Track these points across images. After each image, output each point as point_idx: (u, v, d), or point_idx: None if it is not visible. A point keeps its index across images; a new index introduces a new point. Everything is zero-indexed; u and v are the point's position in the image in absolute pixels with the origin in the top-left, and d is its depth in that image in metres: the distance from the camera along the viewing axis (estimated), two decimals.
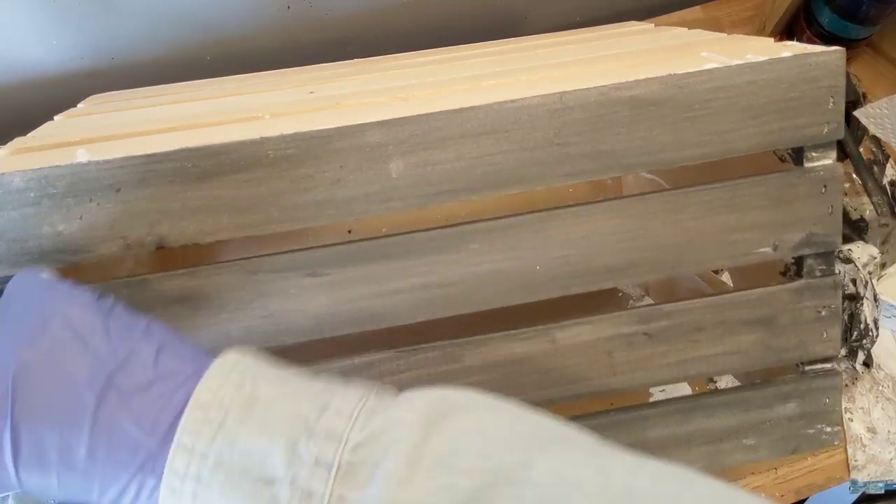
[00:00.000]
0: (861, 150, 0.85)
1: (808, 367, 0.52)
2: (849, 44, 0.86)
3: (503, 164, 0.45)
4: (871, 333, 0.72)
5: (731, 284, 0.67)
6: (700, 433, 0.51)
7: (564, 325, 0.49)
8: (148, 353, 0.34)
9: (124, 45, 0.78)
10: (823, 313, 0.50)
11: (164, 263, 0.47)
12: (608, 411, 0.51)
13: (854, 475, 0.72)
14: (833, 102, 0.46)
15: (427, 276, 0.46)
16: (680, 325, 0.49)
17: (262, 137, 0.42)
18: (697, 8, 0.96)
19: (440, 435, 0.31)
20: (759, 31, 0.93)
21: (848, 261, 0.74)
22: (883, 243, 0.81)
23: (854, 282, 0.72)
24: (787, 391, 0.51)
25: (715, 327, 0.50)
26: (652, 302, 0.76)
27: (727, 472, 0.71)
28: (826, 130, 0.47)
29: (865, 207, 0.83)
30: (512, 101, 0.44)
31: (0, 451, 0.32)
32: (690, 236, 0.48)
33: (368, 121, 0.43)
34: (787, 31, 0.93)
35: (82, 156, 0.42)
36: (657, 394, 0.71)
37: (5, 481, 0.33)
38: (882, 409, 0.75)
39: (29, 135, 0.51)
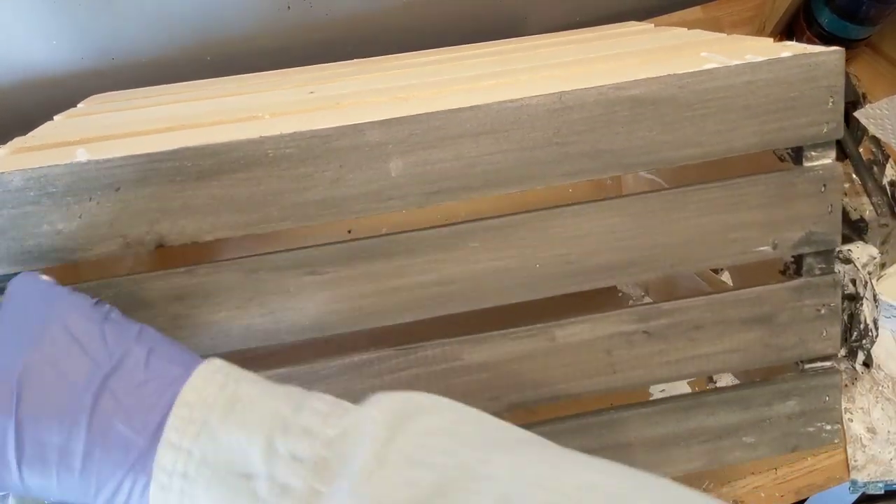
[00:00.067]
0: (861, 150, 0.85)
1: (807, 366, 0.52)
2: (848, 44, 0.86)
3: (502, 163, 0.45)
4: (870, 333, 0.72)
5: (731, 283, 0.67)
6: (700, 431, 0.51)
7: (564, 323, 0.49)
8: (140, 356, 0.36)
9: (124, 45, 0.78)
10: (823, 312, 0.50)
11: (163, 262, 0.47)
12: (608, 409, 0.51)
13: (854, 475, 0.72)
14: (832, 102, 0.46)
15: (427, 274, 0.46)
16: (679, 323, 0.49)
17: (261, 137, 0.43)
18: (697, 8, 0.96)
19: (407, 433, 0.33)
20: (759, 32, 0.93)
21: (848, 261, 0.75)
22: (883, 243, 0.81)
23: (854, 282, 0.72)
24: (787, 389, 0.51)
25: (714, 326, 0.50)
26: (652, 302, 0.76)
27: (727, 471, 0.71)
28: (825, 130, 0.47)
29: (865, 208, 0.83)
30: (511, 101, 0.44)
31: (4, 449, 0.33)
32: (690, 235, 0.48)
33: (368, 120, 0.43)
34: (787, 31, 0.93)
35: (82, 155, 0.42)
36: (657, 393, 0.71)
37: (8, 480, 0.34)
38: (882, 409, 0.75)
39: (29, 134, 0.51)
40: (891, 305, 0.77)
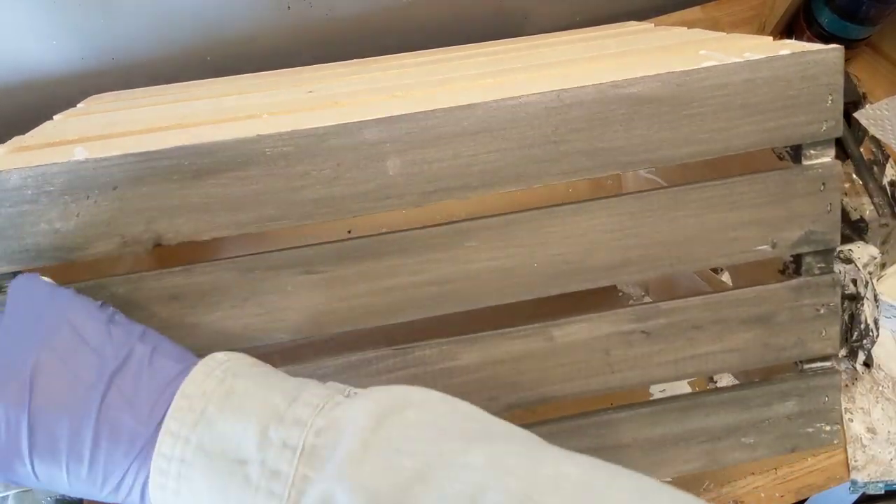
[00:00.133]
0: (861, 150, 0.85)
1: (806, 366, 0.52)
2: (849, 44, 0.86)
3: (500, 161, 0.45)
4: (871, 334, 0.72)
5: (731, 283, 0.67)
6: (699, 431, 0.51)
7: (562, 322, 0.49)
8: (144, 354, 0.38)
9: (124, 45, 0.78)
10: (822, 311, 0.50)
11: (160, 261, 0.47)
12: (606, 409, 0.51)
13: (854, 475, 0.71)
14: (831, 100, 0.46)
15: (424, 273, 0.46)
16: (678, 323, 0.49)
17: (258, 135, 0.42)
18: (697, 8, 0.96)
19: (393, 424, 0.35)
20: (759, 32, 0.93)
21: (848, 261, 0.74)
22: (883, 243, 0.81)
23: (854, 282, 0.72)
24: (786, 389, 0.51)
25: (713, 325, 0.49)
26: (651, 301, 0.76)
27: (727, 471, 0.71)
28: (824, 128, 0.47)
29: (865, 208, 0.83)
30: (509, 99, 0.44)
31: (18, 440, 0.35)
32: (688, 234, 0.48)
33: (365, 118, 0.43)
34: (786, 31, 0.93)
35: (80, 154, 0.42)
36: (657, 393, 0.70)
37: (21, 470, 0.36)
38: (882, 409, 0.74)
39: (27, 133, 0.51)
40: (891, 305, 0.76)
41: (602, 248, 0.47)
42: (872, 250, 0.77)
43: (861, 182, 0.84)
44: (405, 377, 0.48)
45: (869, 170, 0.84)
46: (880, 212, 0.82)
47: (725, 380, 0.72)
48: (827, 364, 0.52)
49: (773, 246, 0.48)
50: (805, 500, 0.74)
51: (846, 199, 0.83)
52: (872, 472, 0.71)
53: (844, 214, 0.79)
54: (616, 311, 0.49)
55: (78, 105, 0.66)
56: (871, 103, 0.81)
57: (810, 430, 0.52)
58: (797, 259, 0.50)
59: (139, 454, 0.35)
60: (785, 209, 0.48)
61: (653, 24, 0.73)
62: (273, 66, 0.77)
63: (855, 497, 0.82)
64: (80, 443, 0.35)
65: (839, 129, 0.46)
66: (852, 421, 0.74)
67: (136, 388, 0.37)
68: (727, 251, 0.48)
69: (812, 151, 0.47)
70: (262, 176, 0.43)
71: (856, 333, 0.72)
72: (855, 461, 0.72)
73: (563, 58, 0.57)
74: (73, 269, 0.47)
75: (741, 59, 0.45)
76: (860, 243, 0.79)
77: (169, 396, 0.36)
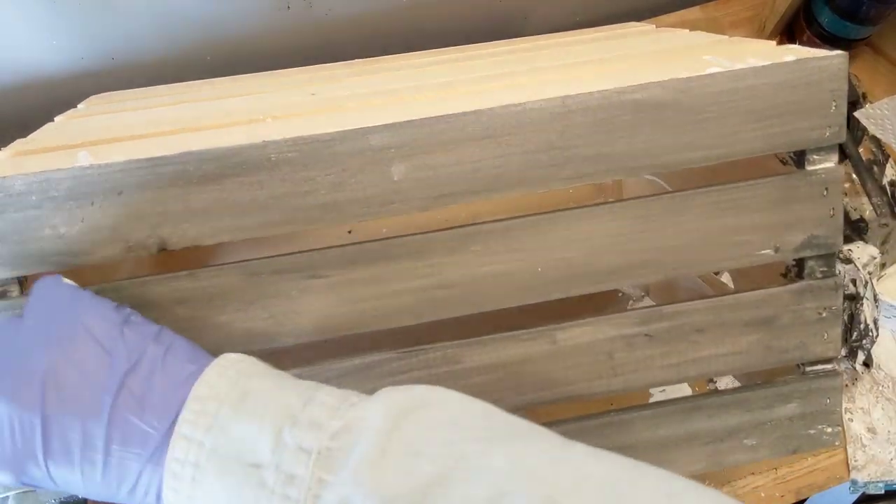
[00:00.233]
0: (861, 150, 0.85)
1: (808, 368, 0.52)
2: (848, 44, 0.86)
3: (505, 167, 0.45)
4: (871, 333, 0.72)
5: (731, 284, 0.67)
6: (701, 433, 0.51)
7: (565, 326, 0.49)
8: (156, 356, 0.38)
9: (124, 45, 0.78)
10: (824, 314, 0.50)
11: (165, 265, 0.47)
12: (609, 412, 0.51)
13: (854, 475, 0.72)
14: (835, 106, 0.46)
15: (428, 277, 0.46)
16: (680, 326, 0.49)
17: (263, 141, 0.42)
18: (697, 8, 0.96)
19: (409, 425, 0.34)
20: (759, 32, 0.93)
21: (848, 261, 0.75)
22: (883, 243, 0.81)
23: (854, 282, 0.72)
24: (788, 392, 0.52)
25: (716, 328, 0.50)
26: (651, 302, 0.77)
27: (727, 471, 0.71)
28: (828, 134, 0.47)
29: (865, 208, 0.83)
30: (514, 105, 0.44)
31: (32, 444, 0.35)
32: (692, 238, 0.48)
33: (371, 124, 0.43)
34: (787, 31, 0.93)
35: (84, 159, 0.42)
36: (657, 394, 0.71)
37: (36, 473, 0.36)
38: (882, 409, 0.75)
39: (29, 136, 0.51)
40: (891, 305, 0.77)
41: (606, 252, 0.47)
42: (872, 250, 0.78)
43: (860, 182, 0.84)
44: (409, 380, 0.48)
45: (868, 170, 0.84)
46: (879, 212, 0.82)
47: (725, 381, 0.73)
48: (828, 366, 0.52)
49: (776, 250, 0.48)
50: (805, 500, 0.74)
51: (846, 200, 0.83)
52: (872, 471, 0.72)
53: (844, 215, 0.79)
54: (619, 315, 0.49)
55: (78, 106, 0.65)
56: (871, 103, 0.81)
57: (812, 431, 0.52)
58: (799, 263, 0.50)
59: (152, 457, 0.35)
60: (788, 214, 0.48)
61: (654, 26, 0.73)
62: (273, 66, 0.76)
63: (855, 497, 0.82)
64: (92, 446, 0.35)
65: (842, 135, 0.47)
66: (852, 421, 0.74)
67: (149, 390, 0.36)
68: (730, 255, 0.48)
69: (815, 157, 0.48)
70: (267, 181, 0.43)
71: (855, 333, 0.72)
72: (855, 461, 0.72)
73: (567, 61, 0.57)
74: (77, 274, 0.47)
75: (745, 65, 0.45)
76: (860, 243, 0.79)
77: (181, 398, 0.36)
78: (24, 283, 0.44)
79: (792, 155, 0.49)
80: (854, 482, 0.72)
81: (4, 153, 0.46)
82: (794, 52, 0.46)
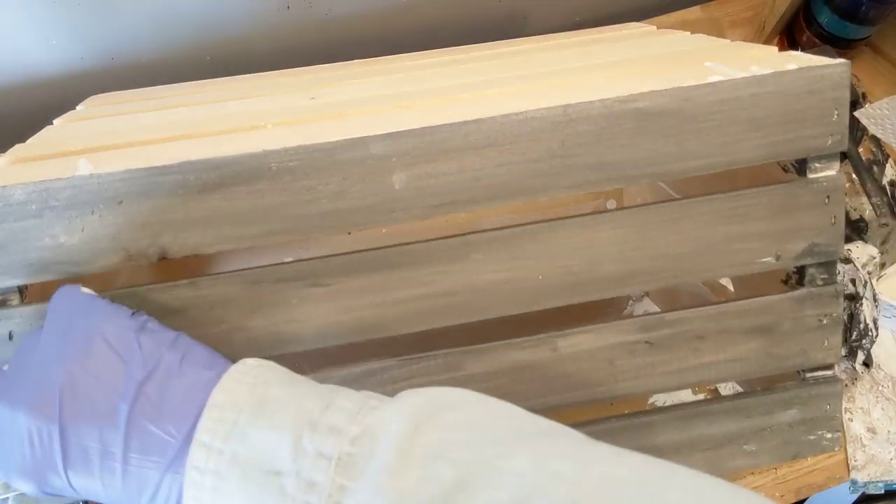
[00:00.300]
0: (861, 149, 0.85)
1: (809, 375, 0.52)
2: (848, 44, 0.86)
3: (506, 175, 0.45)
4: (870, 333, 0.72)
5: (731, 288, 0.67)
6: (701, 439, 0.52)
7: (566, 333, 0.49)
8: (173, 363, 0.38)
9: (124, 45, 0.78)
10: (825, 321, 0.50)
11: (166, 274, 0.47)
12: (610, 418, 0.51)
13: (854, 475, 0.72)
14: (837, 115, 0.46)
15: (430, 285, 0.46)
16: (681, 333, 0.49)
17: (264, 150, 0.42)
18: (697, 8, 0.96)
19: (430, 428, 0.34)
20: (759, 32, 0.92)
21: (847, 261, 0.75)
22: (882, 243, 0.81)
23: (853, 282, 0.72)
24: (788, 398, 0.52)
25: (717, 336, 0.50)
26: (652, 303, 0.77)
27: (727, 476, 0.71)
28: (830, 142, 0.47)
29: (865, 207, 0.83)
30: (516, 114, 0.44)
31: (52, 454, 0.35)
32: (693, 246, 0.48)
33: (371, 133, 0.43)
34: (786, 31, 0.92)
35: (84, 168, 0.42)
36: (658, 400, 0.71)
37: (57, 482, 0.36)
38: (882, 409, 0.75)
39: (28, 141, 0.51)
40: (891, 305, 0.77)
41: (607, 260, 0.47)
42: (871, 250, 0.78)
43: (860, 182, 0.84)
44: (410, 388, 0.47)
45: (868, 169, 0.84)
46: (878, 212, 0.82)
47: (726, 387, 0.73)
48: (829, 373, 0.52)
49: (777, 258, 0.48)
50: (805, 499, 0.74)
51: (846, 200, 0.83)
52: (872, 471, 0.72)
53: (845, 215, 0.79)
54: (620, 322, 0.49)
55: (77, 108, 0.65)
56: (871, 103, 0.81)
57: (812, 437, 0.52)
58: (800, 270, 0.50)
59: (171, 465, 0.35)
60: (789, 222, 0.48)
61: (654, 27, 0.73)
62: (273, 66, 0.76)
63: (855, 497, 0.82)
64: (110, 455, 0.35)
65: (844, 143, 0.46)
66: (852, 421, 0.74)
67: (166, 398, 0.36)
68: (731, 263, 0.48)
69: (817, 165, 0.48)
70: (267, 190, 0.43)
71: (855, 333, 0.72)
72: (855, 461, 0.72)
73: (568, 65, 0.57)
74: (78, 282, 0.47)
75: (748, 74, 0.45)
76: (859, 243, 0.79)
77: (199, 404, 0.36)
78: (24, 292, 0.44)
79: (794, 163, 0.49)
80: (854, 482, 0.72)
81: (3, 160, 0.46)
82: (796, 60, 0.46)
